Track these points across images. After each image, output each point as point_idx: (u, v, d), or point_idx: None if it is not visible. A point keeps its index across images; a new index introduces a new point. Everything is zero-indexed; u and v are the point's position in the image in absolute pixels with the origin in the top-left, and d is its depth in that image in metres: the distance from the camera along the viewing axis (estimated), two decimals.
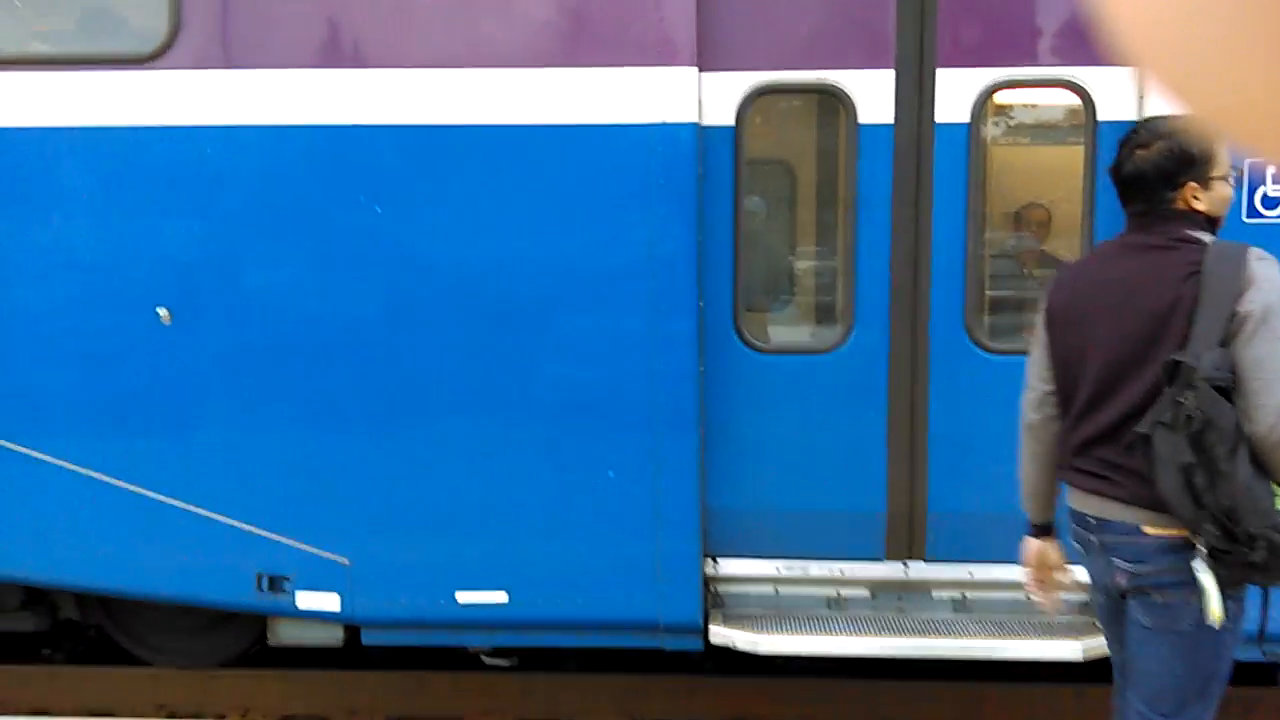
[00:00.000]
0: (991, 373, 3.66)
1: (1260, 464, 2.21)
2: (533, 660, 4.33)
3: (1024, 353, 3.66)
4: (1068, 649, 3.61)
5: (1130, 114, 3.52)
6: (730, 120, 3.59)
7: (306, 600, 3.76)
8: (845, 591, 3.86)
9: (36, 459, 3.72)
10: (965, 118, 3.57)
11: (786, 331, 3.94)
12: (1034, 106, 3.84)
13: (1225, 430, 2.18)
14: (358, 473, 3.69)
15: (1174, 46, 0.38)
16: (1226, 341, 2.22)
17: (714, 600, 3.88)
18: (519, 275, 3.58)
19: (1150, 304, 2.33)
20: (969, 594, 3.83)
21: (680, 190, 3.50)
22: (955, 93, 3.57)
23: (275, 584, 3.76)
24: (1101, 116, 3.54)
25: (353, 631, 3.95)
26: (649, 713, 4.18)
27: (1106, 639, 2.67)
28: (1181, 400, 2.20)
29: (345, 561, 3.74)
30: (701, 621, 3.75)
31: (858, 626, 3.77)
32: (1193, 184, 2.36)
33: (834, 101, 3.66)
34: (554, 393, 3.63)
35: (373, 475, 3.69)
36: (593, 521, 3.68)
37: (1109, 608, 2.54)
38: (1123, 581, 2.40)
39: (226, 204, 3.59)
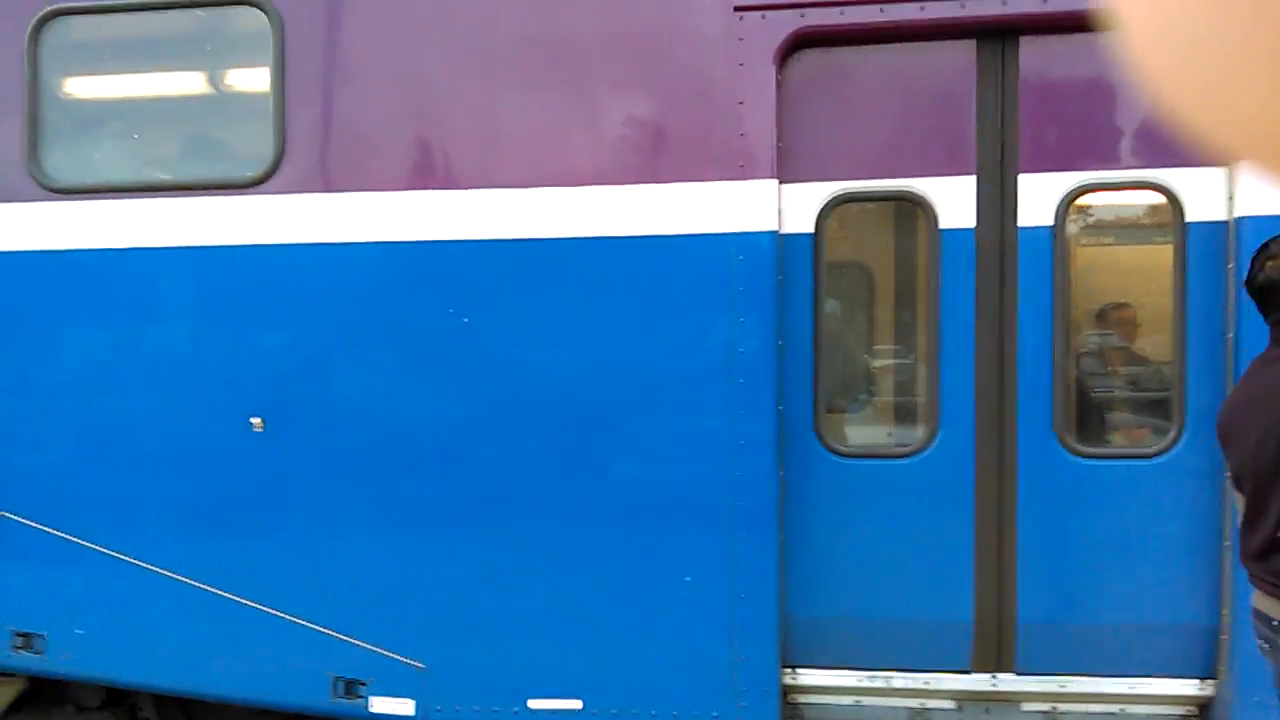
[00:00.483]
0: (1080, 477, 3.56)
1: None
2: None
3: (1112, 456, 3.61)
4: None
5: (1220, 214, 3.47)
6: (809, 228, 3.61)
7: (380, 705, 3.73)
8: (930, 704, 3.73)
9: (122, 561, 3.78)
10: (1049, 221, 3.54)
11: (868, 433, 3.89)
12: (1118, 207, 3.80)
13: None
14: (435, 576, 3.69)
15: (1187, 68, 0.37)
16: None
17: (792, 712, 3.77)
18: (601, 380, 3.60)
19: (1273, 423, 2.38)
20: (1060, 707, 3.68)
21: (760, 295, 3.51)
22: (1038, 197, 3.55)
23: (350, 688, 3.74)
24: (1190, 218, 3.49)
25: None
26: None
27: None
28: None
29: (420, 666, 3.71)
30: None
31: None
32: None
33: (913, 206, 3.66)
34: (633, 496, 3.60)
35: (450, 579, 3.68)
36: (670, 628, 3.62)
37: None
38: None
39: (321, 316, 3.69)
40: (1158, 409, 3.69)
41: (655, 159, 3.57)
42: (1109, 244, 3.86)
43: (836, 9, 3.52)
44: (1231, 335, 3.43)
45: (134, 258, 3.77)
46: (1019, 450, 3.58)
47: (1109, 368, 3.82)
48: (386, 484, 3.68)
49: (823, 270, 3.65)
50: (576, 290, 3.59)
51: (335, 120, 3.71)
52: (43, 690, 4.21)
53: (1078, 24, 3.50)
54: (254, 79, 3.81)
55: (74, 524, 3.83)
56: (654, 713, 3.65)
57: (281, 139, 3.70)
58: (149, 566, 3.77)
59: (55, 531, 3.83)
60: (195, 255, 3.73)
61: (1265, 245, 2.53)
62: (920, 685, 3.70)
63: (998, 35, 3.57)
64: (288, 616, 3.73)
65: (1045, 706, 3.69)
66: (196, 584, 3.76)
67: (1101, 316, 3.79)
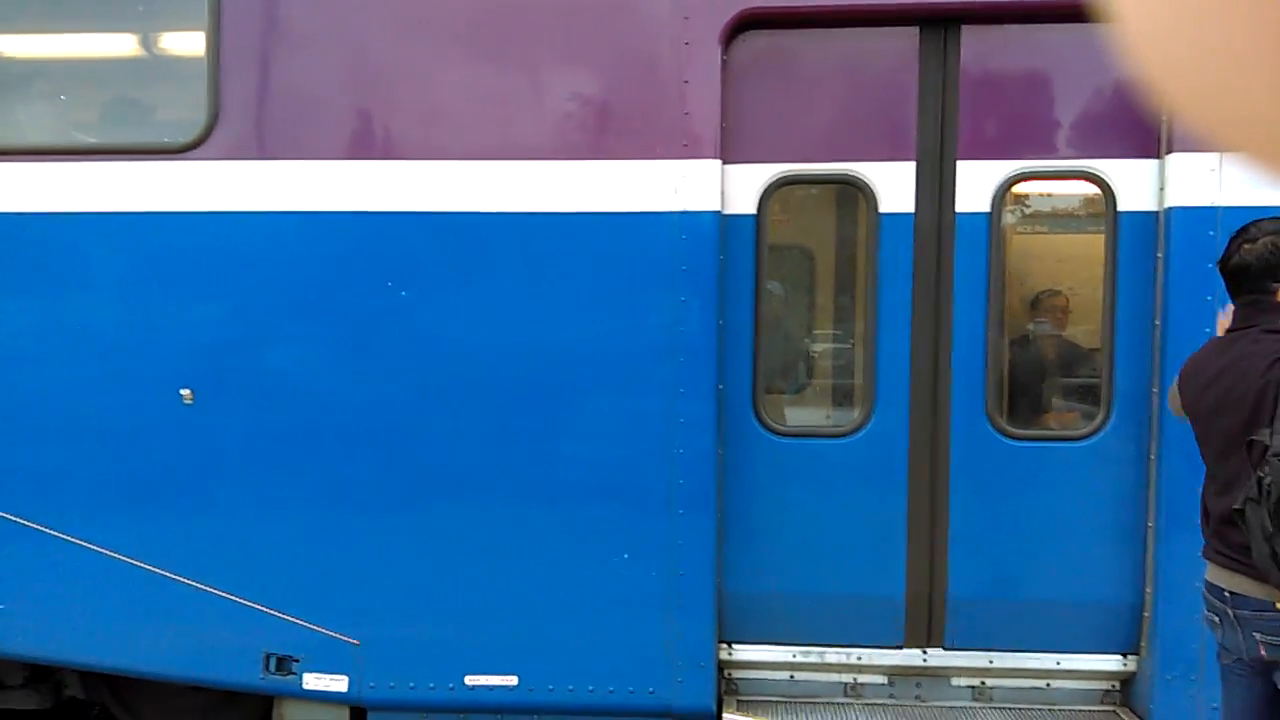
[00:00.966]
0: (1011, 458, 3.65)
1: None
2: None
3: (1042, 439, 3.70)
4: None
5: (1150, 205, 3.56)
6: (752, 209, 3.63)
7: (314, 681, 3.70)
8: (862, 678, 3.80)
9: (45, 535, 3.68)
10: (985, 207, 3.60)
11: (807, 414, 3.94)
12: (1053, 196, 3.88)
13: None
14: (370, 553, 3.65)
15: (1189, 68, 0.38)
16: None
17: (728, 686, 3.82)
18: (542, 359, 3.58)
19: (1243, 392, 2.48)
20: (988, 681, 3.78)
21: (702, 275, 3.53)
22: (975, 184, 3.61)
23: (282, 664, 3.70)
24: (1122, 207, 3.58)
25: (360, 714, 3.88)
26: None
27: (1224, 706, 2.73)
28: (1262, 475, 2.36)
29: (354, 642, 3.68)
30: (715, 708, 3.69)
31: (875, 714, 3.71)
32: None
33: (853, 190, 3.70)
34: (571, 475, 3.61)
35: (386, 556, 3.65)
36: (606, 605, 3.63)
37: (1244, 675, 2.60)
38: (1265, 654, 2.49)
39: (255, 287, 3.62)
40: (1087, 393, 3.79)
41: (599, 135, 3.55)
42: (1044, 232, 3.94)
43: None
44: (1159, 323, 3.52)
45: (60, 223, 3.65)
46: (951, 431, 3.65)
47: (1041, 353, 3.91)
48: (321, 459, 3.63)
49: (764, 251, 3.68)
50: (518, 266, 3.57)
51: (272, 86, 3.63)
52: None
53: (1018, 14, 3.55)
54: (188, 41, 3.71)
55: None
56: (591, 688, 3.67)
57: (215, 104, 3.61)
58: (74, 540, 3.68)
59: None
60: (123, 221, 3.63)
61: (1245, 228, 2.61)
62: (853, 660, 3.76)
63: (940, 23, 3.61)
64: (218, 592, 3.67)
65: (974, 681, 3.78)
66: (124, 558, 3.68)
67: (1035, 303, 3.87)
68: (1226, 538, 2.55)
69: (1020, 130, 3.62)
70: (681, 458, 3.57)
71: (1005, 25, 3.59)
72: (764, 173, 3.64)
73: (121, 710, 4.20)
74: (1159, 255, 3.53)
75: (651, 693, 3.66)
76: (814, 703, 3.78)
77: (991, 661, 3.73)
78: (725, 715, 3.68)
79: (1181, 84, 0.39)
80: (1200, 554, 2.71)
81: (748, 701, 3.79)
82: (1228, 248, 2.61)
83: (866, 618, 3.74)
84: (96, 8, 3.77)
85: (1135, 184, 3.57)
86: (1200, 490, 2.71)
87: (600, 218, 3.54)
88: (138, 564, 3.68)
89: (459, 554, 3.65)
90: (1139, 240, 3.57)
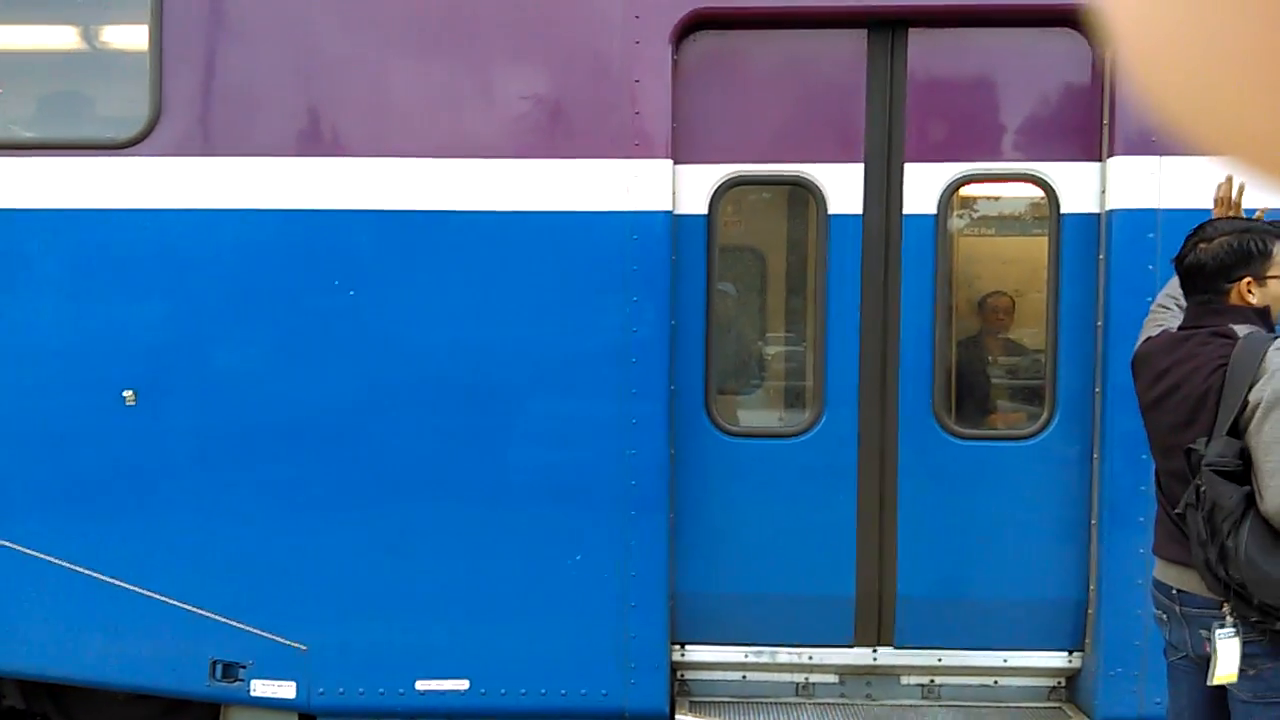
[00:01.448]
0: (958, 457, 3.69)
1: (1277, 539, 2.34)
2: None
3: (988, 438, 3.75)
4: None
5: (1093, 207, 3.62)
6: (703, 209, 3.65)
7: (261, 688, 3.64)
8: (814, 678, 3.82)
9: None
10: (932, 209, 3.65)
11: (758, 415, 3.96)
12: (998, 199, 3.94)
13: (1228, 510, 2.34)
14: (319, 557, 3.61)
15: (1182, 72, 0.38)
16: (1242, 427, 2.37)
17: (681, 688, 3.82)
18: (491, 359, 3.56)
19: (1187, 394, 2.50)
20: (938, 679, 3.81)
21: (654, 275, 3.53)
22: (922, 186, 3.65)
23: (229, 671, 3.64)
24: (1065, 209, 3.64)
25: None
26: None
27: (1171, 702, 2.75)
28: (1199, 484, 2.39)
29: (302, 648, 3.63)
30: (668, 710, 3.68)
31: (826, 713, 3.73)
32: (1249, 279, 2.52)
33: (804, 192, 3.73)
34: (522, 476, 3.59)
35: (334, 560, 3.61)
36: (558, 607, 3.62)
37: (1190, 672, 2.61)
38: (1210, 650, 2.49)
39: (199, 286, 3.56)
40: (1032, 393, 3.84)
41: (550, 134, 3.55)
42: (990, 234, 4.00)
43: None
44: (1101, 324, 3.59)
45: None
46: (900, 431, 3.69)
47: (987, 353, 3.96)
48: (268, 462, 3.58)
49: (715, 252, 3.69)
50: (468, 265, 3.55)
51: (217, 81, 3.58)
52: None
53: (964, 18, 3.61)
54: (130, 35, 3.64)
55: None
56: (543, 691, 3.65)
57: (158, 98, 3.54)
58: (12, 546, 3.59)
59: None
60: (64, 218, 3.55)
61: (1201, 227, 2.62)
62: (805, 660, 3.78)
63: (887, 26, 3.65)
64: (162, 598, 3.60)
65: (924, 679, 3.82)
66: (64, 564, 3.59)
67: (980, 304, 3.92)
68: (1173, 536, 2.57)
69: (966, 133, 3.67)
70: (633, 458, 3.57)
71: (952, 29, 3.64)
72: (715, 173, 3.66)
73: None
74: (1100, 257, 3.60)
75: (604, 695, 3.65)
76: (766, 703, 3.79)
77: (940, 660, 3.77)
78: (678, 716, 3.68)
79: (1174, 88, 0.39)
80: (1151, 550, 2.73)
81: (700, 702, 3.79)
82: (1183, 246, 2.62)
83: (817, 617, 3.76)
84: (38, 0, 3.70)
85: (1078, 187, 3.63)
86: (1154, 486, 2.74)
87: (551, 217, 3.54)
88: (79, 569, 3.60)
89: (409, 558, 3.61)
90: (1081, 242, 3.63)
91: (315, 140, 3.56)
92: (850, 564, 3.74)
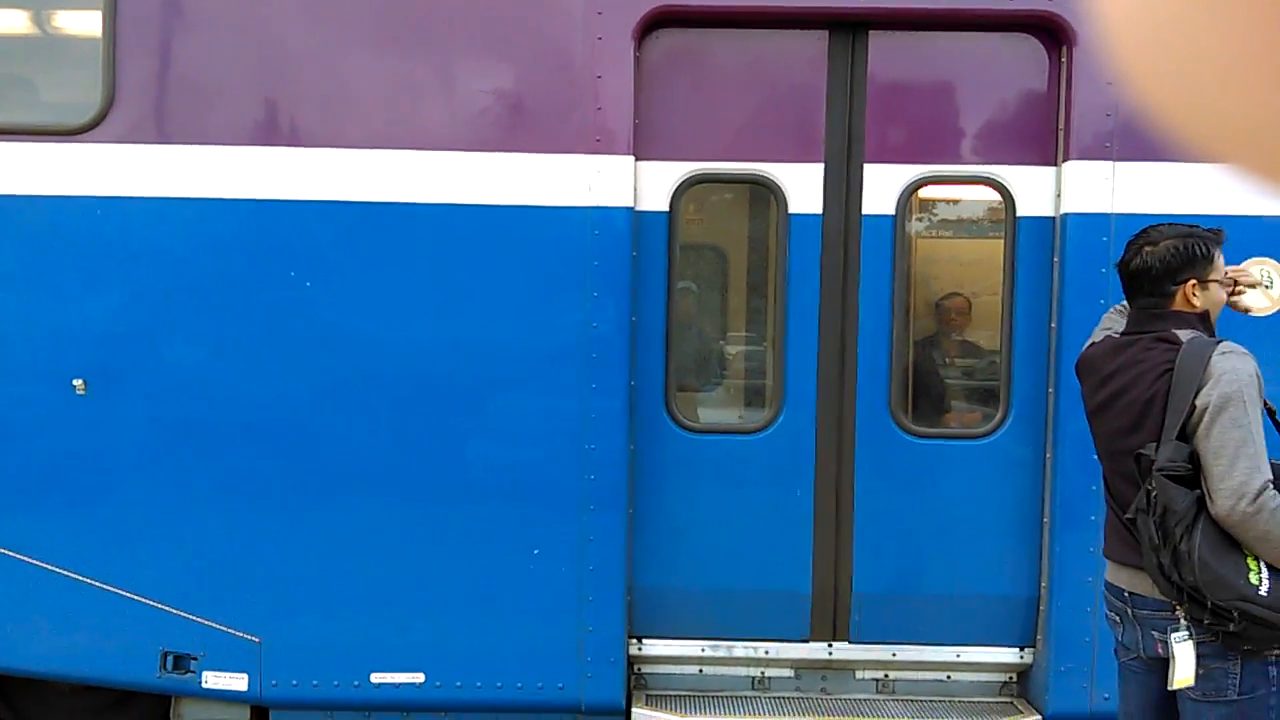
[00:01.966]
0: (914, 455, 3.73)
1: (1231, 542, 2.38)
2: None
3: (944, 437, 3.80)
4: None
5: (1048, 210, 3.68)
6: (665, 206, 3.66)
7: (213, 680, 3.61)
8: (770, 672, 3.85)
9: None
10: (890, 210, 3.69)
11: (718, 414, 3.98)
12: (956, 201, 4.00)
13: (1180, 514, 2.37)
14: (272, 549, 3.58)
15: (1183, 78, 0.38)
16: (1190, 432, 2.41)
17: (637, 681, 3.84)
18: (451, 353, 3.56)
19: (1133, 399, 2.53)
20: (892, 674, 3.85)
21: (614, 272, 3.54)
22: (881, 187, 3.69)
23: (181, 663, 3.60)
24: (1020, 212, 3.69)
25: (262, 713, 3.80)
26: None
27: (1122, 702, 2.78)
28: (1149, 488, 2.41)
29: (255, 640, 3.61)
30: (624, 703, 3.70)
31: (781, 707, 3.76)
32: (1194, 281, 2.55)
33: (765, 191, 3.76)
34: (481, 471, 3.59)
35: (288, 552, 3.58)
36: (516, 600, 3.62)
37: (1141, 673, 2.65)
38: (1163, 652, 2.53)
39: (151, 275, 3.53)
40: (987, 393, 3.90)
41: (511, 127, 3.55)
42: (948, 236, 4.05)
43: None
44: (1055, 326, 3.64)
45: None
46: (857, 429, 3.72)
47: (943, 353, 4.01)
48: (221, 452, 3.55)
49: (677, 249, 3.71)
50: (427, 258, 3.54)
51: (172, 68, 3.54)
52: None
53: (924, 22, 3.65)
54: (83, 20, 3.60)
55: None
56: (499, 685, 3.65)
57: (111, 84, 3.49)
58: None
59: None
60: (13, 204, 3.50)
61: (1144, 231, 2.64)
62: (761, 654, 3.81)
63: (848, 28, 3.69)
64: (113, 588, 3.56)
65: (878, 674, 3.86)
66: (12, 554, 3.54)
67: (937, 305, 3.97)
68: (1124, 539, 2.60)
69: (925, 135, 3.71)
70: (593, 454, 3.58)
71: (912, 32, 3.68)
72: (677, 170, 3.67)
73: (10, 712, 4.05)
74: (1055, 260, 3.65)
75: (561, 688, 3.66)
76: (722, 696, 3.81)
77: (894, 655, 3.81)
78: (634, 710, 3.70)
79: (1175, 94, 0.39)
80: (1101, 552, 2.76)
81: (657, 696, 3.81)
82: (1126, 250, 2.64)
83: (774, 612, 3.79)
84: None
85: (1034, 190, 3.69)
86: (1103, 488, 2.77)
87: (512, 211, 3.54)
88: (28, 560, 3.55)
89: (364, 550, 3.60)
90: (1037, 245, 3.69)
91: (272, 130, 3.54)
92: (807, 560, 3.77)
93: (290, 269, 3.52)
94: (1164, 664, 2.54)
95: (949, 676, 3.85)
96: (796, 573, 3.77)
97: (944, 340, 4.00)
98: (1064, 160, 3.62)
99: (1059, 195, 3.66)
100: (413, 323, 3.55)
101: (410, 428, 3.57)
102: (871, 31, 3.67)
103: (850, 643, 3.81)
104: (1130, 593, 2.60)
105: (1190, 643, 2.45)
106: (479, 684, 3.64)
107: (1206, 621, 2.41)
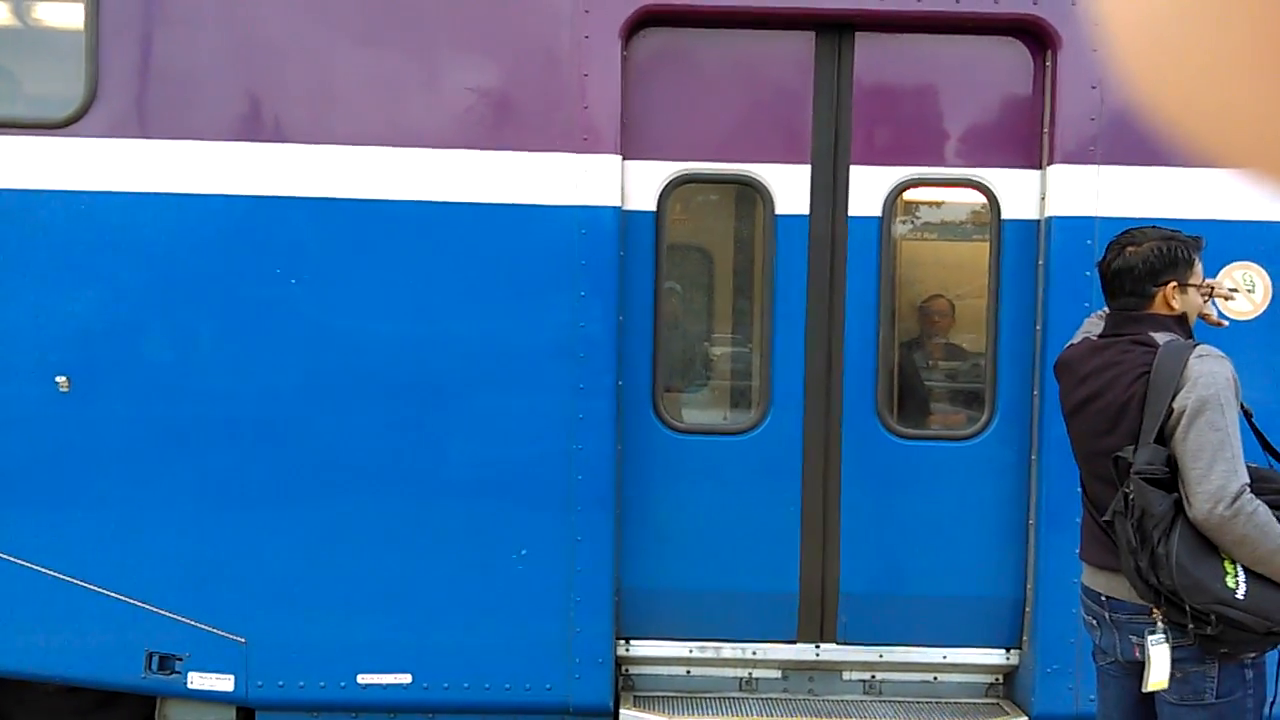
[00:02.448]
0: (900, 456, 3.75)
1: (1209, 545, 2.38)
2: None
3: (929, 438, 3.81)
4: None
5: (1033, 214, 3.70)
6: (652, 206, 3.67)
7: (199, 681, 3.59)
8: (757, 673, 3.86)
9: None
10: (877, 212, 3.70)
11: (703, 413, 3.99)
12: (942, 204, 4.01)
13: (1157, 517, 2.37)
14: (258, 549, 3.57)
15: (1190, 83, 0.38)
16: (1168, 435, 2.41)
17: (625, 682, 3.84)
18: (437, 352, 3.55)
19: (1110, 401, 2.53)
20: (879, 675, 3.86)
21: (602, 271, 3.54)
22: (867, 188, 3.71)
23: (166, 663, 3.58)
24: (1005, 215, 3.71)
25: (247, 714, 3.78)
26: None
27: (1100, 705, 2.79)
28: (1127, 491, 2.41)
29: (241, 640, 3.59)
30: (612, 704, 3.69)
31: (769, 708, 3.77)
32: (1174, 283, 2.56)
33: (752, 192, 3.77)
34: (468, 470, 3.58)
35: (274, 552, 3.57)
36: (503, 601, 3.62)
37: (1118, 676, 2.65)
38: (1140, 656, 2.52)
39: (135, 271, 3.51)
40: (973, 395, 3.92)
41: (498, 125, 3.55)
42: (933, 238, 4.07)
43: None
44: (1040, 328, 3.66)
45: None
46: (843, 430, 3.73)
47: (929, 355, 4.03)
48: (206, 451, 3.53)
49: (664, 249, 3.71)
50: (413, 256, 3.54)
51: (155, 62, 3.53)
52: None
53: (910, 25, 3.67)
54: (65, 12, 3.58)
55: None
56: (486, 686, 3.65)
57: (94, 78, 3.47)
58: None
59: None
60: None
61: (1126, 233, 2.65)
62: (748, 655, 3.82)
63: (834, 29, 3.70)
64: (97, 588, 3.54)
65: (865, 675, 3.87)
66: None
67: (923, 307, 3.99)
68: (1101, 542, 2.60)
69: (911, 137, 3.73)
70: (580, 454, 3.58)
71: (898, 34, 3.70)
72: (664, 170, 3.68)
73: None
74: (1040, 263, 3.67)
75: (548, 689, 3.65)
76: (709, 697, 3.82)
77: (881, 656, 3.82)
78: (622, 711, 3.70)
79: (1183, 99, 0.39)
80: (1077, 555, 2.77)
81: (644, 697, 3.81)
82: (1108, 251, 2.64)
83: (761, 613, 3.79)
84: None
85: (1018, 193, 3.71)
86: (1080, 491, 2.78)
87: (498, 209, 3.54)
88: (10, 559, 3.53)
89: (351, 550, 3.58)
90: (1021, 248, 3.71)
91: (257, 125, 3.53)
92: (794, 561, 3.78)
93: (275, 266, 3.51)
94: (1141, 667, 2.53)
95: (935, 677, 3.86)
96: (784, 573, 3.78)
97: (930, 342, 4.01)
98: (1048, 164, 3.65)
99: (1043, 198, 3.68)
100: (398, 321, 3.54)
101: (396, 427, 3.56)
102: (858, 33, 3.69)
103: (837, 644, 3.82)
104: (1107, 597, 2.60)
105: (1166, 646, 2.44)
106: (466, 685, 3.64)
107: (1184, 625, 2.40)
